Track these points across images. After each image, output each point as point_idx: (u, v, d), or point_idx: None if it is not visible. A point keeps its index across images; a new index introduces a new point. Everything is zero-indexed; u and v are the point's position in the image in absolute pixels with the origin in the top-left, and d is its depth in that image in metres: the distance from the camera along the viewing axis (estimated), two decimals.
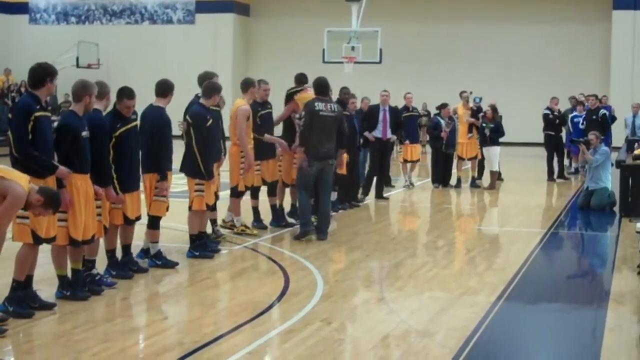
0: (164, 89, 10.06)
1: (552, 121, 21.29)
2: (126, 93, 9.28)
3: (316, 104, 12.08)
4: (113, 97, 9.31)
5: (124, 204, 9.29)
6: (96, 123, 8.62)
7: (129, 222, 9.52)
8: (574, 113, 21.82)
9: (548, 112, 21.39)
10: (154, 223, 10.14)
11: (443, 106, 19.28)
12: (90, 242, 8.57)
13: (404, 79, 34.18)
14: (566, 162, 22.72)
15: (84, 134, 8.33)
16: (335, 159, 12.41)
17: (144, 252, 10.36)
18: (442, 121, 18.88)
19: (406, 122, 18.84)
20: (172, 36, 37.53)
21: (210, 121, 10.64)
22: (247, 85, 12.28)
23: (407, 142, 18.81)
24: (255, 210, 12.94)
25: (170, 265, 10.10)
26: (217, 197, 11.26)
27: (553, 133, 21.31)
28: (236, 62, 37.02)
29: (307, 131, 12.00)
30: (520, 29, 35.30)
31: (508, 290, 9.33)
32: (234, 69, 35.82)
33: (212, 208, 11.25)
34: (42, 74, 8.03)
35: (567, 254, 12.87)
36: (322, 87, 12.29)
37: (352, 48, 26.74)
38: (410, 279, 9.90)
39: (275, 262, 10.62)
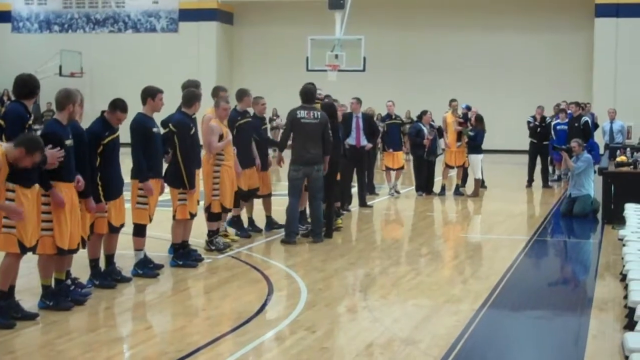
0: (141, 96, 10.15)
1: (533, 129, 21.55)
2: (121, 106, 9.40)
3: (298, 111, 12.47)
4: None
5: (109, 212, 9.29)
6: (77, 132, 8.63)
7: (114, 230, 9.51)
8: (557, 120, 21.93)
9: (530, 119, 21.67)
10: (137, 230, 10.15)
11: (424, 113, 19.34)
12: (75, 251, 8.55)
13: (388, 87, 34.25)
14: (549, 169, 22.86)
15: (68, 142, 8.33)
16: (321, 165, 12.56)
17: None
18: (424, 128, 18.90)
19: (389, 130, 18.97)
20: (155, 45, 37.47)
21: (193, 130, 10.64)
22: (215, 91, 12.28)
23: (391, 149, 18.87)
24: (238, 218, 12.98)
25: (152, 275, 10.07)
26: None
27: (535, 141, 21.51)
28: (220, 70, 37.00)
29: (285, 138, 12.59)
30: (504, 36, 35.44)
31: (492, 298, 9.35)
32: (218, 77, 35.73)
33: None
34: (34, 85, 8.16)
35: (551, 261, 12.91)
36: (307, 95, 12.66)
37: (336, 56, 26.81)
38: (394, 287, 9.91)
39: (259, 270, 10.60)
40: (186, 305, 9.02)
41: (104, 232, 9.43)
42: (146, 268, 10.12)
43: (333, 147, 12.89)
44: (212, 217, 11.70)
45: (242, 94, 12.64)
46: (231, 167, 11.62)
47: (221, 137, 11.41)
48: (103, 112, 9.39)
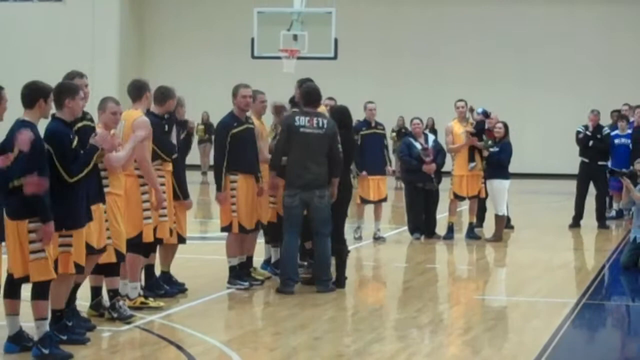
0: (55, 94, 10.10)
1: (584, 142, 21.42)
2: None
3: (297, 118, 13.13)
4: None
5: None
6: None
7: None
8: (616, 132, 21.93)
9: (581, 129, 21.51)
10: (38, 291, 9.92)
11: (412, 121, 19.39)
12: None
13: (368, 81, 34.48)
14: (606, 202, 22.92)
15: None
16: (326, 189, 13.11)
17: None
18: (416, 143, 18.82)
19: (366, 143, 18.55)
20: (32, 19, 37.60)
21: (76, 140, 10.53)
22: (141, 90, 12.24)
23: (365, 172, 18.57)
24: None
25: (62, 356, 9.90)
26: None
27: (587, 160, 21.44)
28: (124, 54, 37.06)
29: (279, 152, 13.18)
30: (534, 9, 35.73)
31: None
32: (122, 64, 35.85)
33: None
34: None
35: (607, 334, 12.99)
36: (310, 95, 13.32)
37: (295, 37, 26.85)
38: None
39: (180, 349, 10.52)
40: None
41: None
42: (53, 346, 9.93)
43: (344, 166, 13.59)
44: (107, 270, 11.57)
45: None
46: (121, 195, 11.46)
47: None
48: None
